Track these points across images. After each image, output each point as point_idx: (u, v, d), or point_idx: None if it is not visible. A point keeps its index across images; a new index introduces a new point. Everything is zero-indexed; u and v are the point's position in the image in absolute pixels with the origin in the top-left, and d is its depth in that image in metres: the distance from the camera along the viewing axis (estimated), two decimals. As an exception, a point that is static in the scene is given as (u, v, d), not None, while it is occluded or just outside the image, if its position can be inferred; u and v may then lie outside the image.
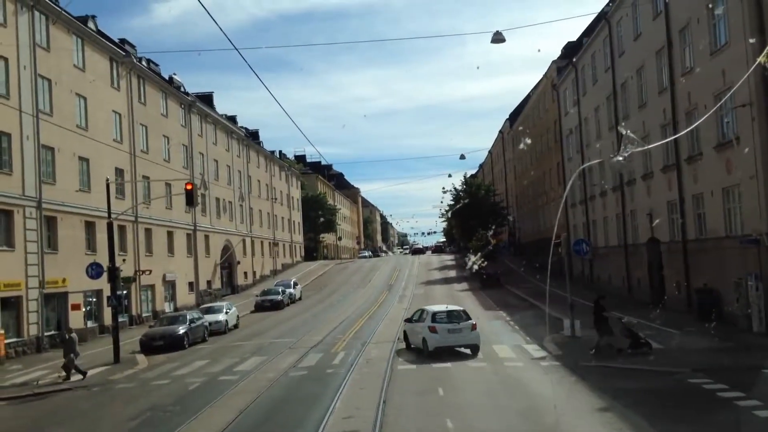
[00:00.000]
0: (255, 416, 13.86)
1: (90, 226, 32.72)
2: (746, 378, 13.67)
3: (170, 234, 42.92)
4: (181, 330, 26.99)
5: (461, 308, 22.14)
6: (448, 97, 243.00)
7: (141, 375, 20.88)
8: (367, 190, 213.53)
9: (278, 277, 60.13)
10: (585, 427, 11.80)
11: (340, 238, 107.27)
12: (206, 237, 49.52)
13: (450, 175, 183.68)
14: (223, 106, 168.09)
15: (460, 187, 66.05)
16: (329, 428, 12.21)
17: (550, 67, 49.14)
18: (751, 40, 18.75)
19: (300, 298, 47.57)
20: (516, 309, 32.80)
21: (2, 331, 25.27)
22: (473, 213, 61.26)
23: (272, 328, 32.14)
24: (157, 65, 45.09)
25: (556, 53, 58.35)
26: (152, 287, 39.77)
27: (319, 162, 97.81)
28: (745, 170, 20.20)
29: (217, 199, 52.55)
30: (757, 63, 14.92)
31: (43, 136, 29.06)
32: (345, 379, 17.06)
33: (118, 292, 25.35)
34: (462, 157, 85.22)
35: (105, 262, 25.72)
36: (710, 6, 21.75)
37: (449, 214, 68.74)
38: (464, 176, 69.14)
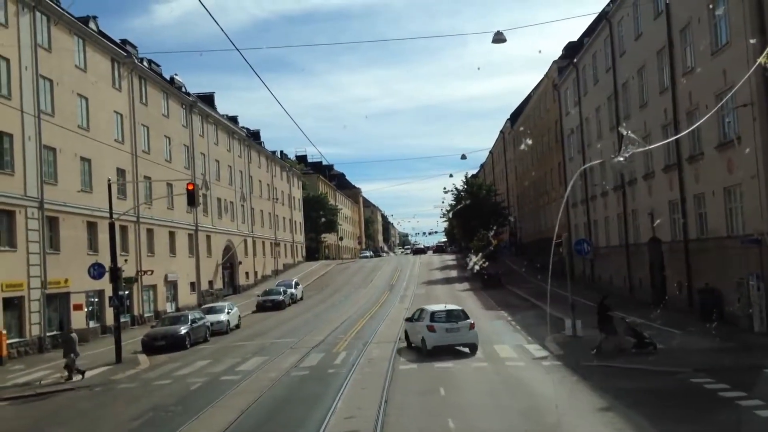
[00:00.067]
0: (257, 416, 13.89)
1: (92, 227, 32.77)
2: (748, 378, 13.68)
3: (172, 234, 42.99)
4: (183, 330, 27.03)
5: (460, 308, 22.17)
6: (449, 97, 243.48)
7: (143, 375, 20.93)
8: (369, 190, 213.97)
9: (280, 278, 60.14)
10: (586, 426, 11.83)
11: (341, 239, 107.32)
12: (208, 237, 49.58)
13: (451, 175, 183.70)
14: (224, 106, 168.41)
15: (461, 187, 66.03)
16: (331, 428, 12.24)
17: (551, 67, 49.12)
18: (752, 40, 18.76)
19: (301, 298, 47.59)
20: (517, 309, 32.79)
21: (4, 332, 25.33)
22: (474, 213, 61.23)
23: (274, 328, 32.17)
24: (158, 66, 45.19)
25: (557, 53, 58.50)
26: (154, 287, 39.82)
27: (321, 162, 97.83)
28: (747, 170, 20.20)
29: (219, 200, 52.60)
30: (757, 64, 14.92)
31: (44, 137, 29.11)
32: (346, 378, 17.10)
33: (120, 293, 25.38)
34: (463, 157, 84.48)
35: (107, 263, 25.79)
36: (711, 6, 21.75)
37: (450, 214, 68.63)
38: (465, 176, 69.02)
